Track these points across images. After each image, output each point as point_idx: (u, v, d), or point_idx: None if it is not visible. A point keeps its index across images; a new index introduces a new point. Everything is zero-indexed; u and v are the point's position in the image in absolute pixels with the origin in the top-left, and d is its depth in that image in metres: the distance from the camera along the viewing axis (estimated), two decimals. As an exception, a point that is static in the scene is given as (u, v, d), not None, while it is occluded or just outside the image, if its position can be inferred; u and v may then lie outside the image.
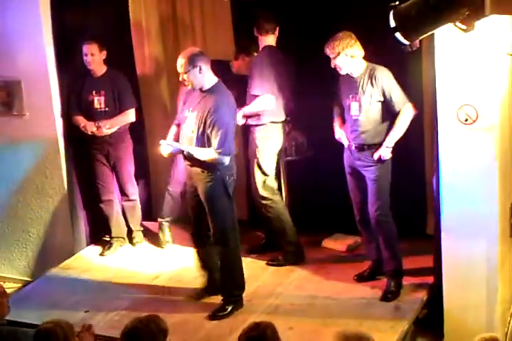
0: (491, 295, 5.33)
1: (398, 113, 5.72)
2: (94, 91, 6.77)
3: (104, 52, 6.70)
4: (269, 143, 6.48)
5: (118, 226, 7.10)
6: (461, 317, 5.46)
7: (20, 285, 6.98)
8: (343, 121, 5.99)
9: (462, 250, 5.35)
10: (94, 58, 6.68)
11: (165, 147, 5.77)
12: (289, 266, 6.54)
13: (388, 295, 5.95)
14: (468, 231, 5.30)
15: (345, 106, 5.89)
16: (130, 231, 7.19)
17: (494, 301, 5.36)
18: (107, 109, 6.78)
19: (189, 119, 5.71)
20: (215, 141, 5.56)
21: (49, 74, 6.61)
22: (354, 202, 6.06)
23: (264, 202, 6.53)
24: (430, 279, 5.88)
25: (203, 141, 5.62)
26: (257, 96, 6.32)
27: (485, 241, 5.27)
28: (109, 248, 7.07)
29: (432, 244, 5.72)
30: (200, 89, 5.69)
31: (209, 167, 5.67)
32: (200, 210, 5.80)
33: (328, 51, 5.68)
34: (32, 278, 6.95)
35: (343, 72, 5.76)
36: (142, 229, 7.24)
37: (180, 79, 5.72)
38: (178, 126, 5.93)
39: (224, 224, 5.78)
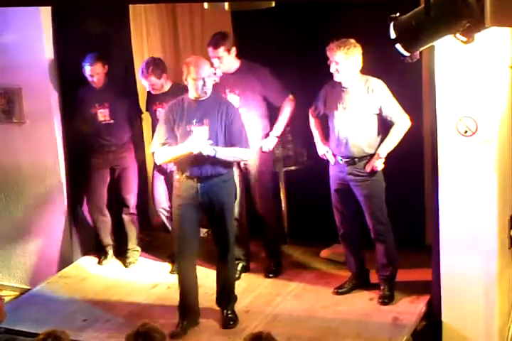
0: (489, 307, 5.32)
1: (392, 125, 5.70)
2: (97, 104, 6.65)
3: (107, 66, 6.62)
4: None
5: (106, 237, 7.01)
6: (459, 329, 5.45)
7: (18, 293, 6.97)
8: (324, 135, 5.97)
9: (461, 262, 5.34)
10: (100, 77, 6.60)
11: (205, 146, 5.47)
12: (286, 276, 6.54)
13: (385, 300, 5.95)
14: (467, 243, 5.30)
15: (331, 117, 5.83)
16: (125, 250, 7.00)
17: (492, 314, 5.35)
18: (112, 121, 6.67)
19: (197, 131, 5.49)
20: (241, 139, 5.60)
21: (49, 82, 6.63)
22: (337, 217, 6.03)
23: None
24: (428, 291, 5.86)
25: (226, 144, 5.57)
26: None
27: (483, 253, 5.27)
28: (106, 257, 7.01)
29: (431, 255, 5.71)
30: (196, 99, 5.58)
31: (227, 173, 5.67)
32: (198, 225, 5.74)
33: (338, 54, 5.56)
34: (30, 286, 6.94)
35: (338, 79, 5.67)
36: (139, 248, 7.03)
37: (196, 85, 5.49)
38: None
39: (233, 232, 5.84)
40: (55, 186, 6.86)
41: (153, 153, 5.77)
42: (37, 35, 6.51)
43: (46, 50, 6.56)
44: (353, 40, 5.60)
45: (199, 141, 5.46)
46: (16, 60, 6.59)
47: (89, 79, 6.62)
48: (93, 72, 6.57)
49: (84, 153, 6.83)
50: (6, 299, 6.46)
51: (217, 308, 5.89)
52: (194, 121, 5.54)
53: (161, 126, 5.70)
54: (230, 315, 5.81)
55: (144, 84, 6.54)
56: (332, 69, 5.65)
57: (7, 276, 7.16)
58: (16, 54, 6.59)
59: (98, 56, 6.58)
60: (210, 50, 6.16)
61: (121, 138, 6.75)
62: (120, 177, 6.85)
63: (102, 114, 6.66)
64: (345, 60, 5.58)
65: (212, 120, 5.55)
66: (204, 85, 5.49)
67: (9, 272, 7.15)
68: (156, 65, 6.40)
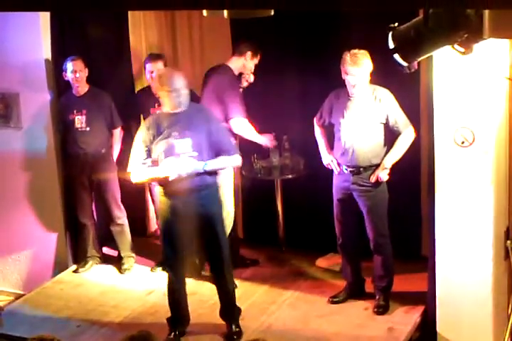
0: (484, 318, 5.31)
1: (398, 135, 5.72)
2: (75, 110, 6.61)
3: (87, 70, 6.59)
4: None
5: (93, 248, 6.97)
6: (454, 340, 5.44)
7: (12, 298, 6.95)
8: (330, 144, 5.95)
9: (456, 273, 5.34)
10: (81, 75, 6.57)
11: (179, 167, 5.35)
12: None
13: (380, 310, 5.94)
14: (463, 254, 5.30)
15: (337, 126, 5.82)
16: (120, 257, 6.98)
17: (488, 325, 5.34)
18: (87, 128, 6.62)
19: (180, 144, 5.36)
20: (230, 146, 5.55)
21: (47, 87, 6.62)
22: (338, 227, 6.00)
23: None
24: (424, 301, 5.85)
25: (213, 153, 5.44)
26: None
27: (479, 264, 5.26)
28: (84, 265, 6.96)
29: (427, 265, 5.71)
30: (172, 111, 5.41)
31: (214, 183, 5.55)
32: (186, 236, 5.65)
33: (354, 66, 5.52)
34: (25, 292, 6.92)
35: (355, 90, 5.64)
36: (133, 255, 6.98)
37: (170, 98, 5.33)
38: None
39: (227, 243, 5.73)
40: (52, 191, 6.85)
41: (129, 173, 5.55)
42: (35, 40, 6.51)
43: (44, 55, 6.56)
44: (365, 51, 5.56)
45: (177, 165, 5.33)
46: (14, 65, 6.59)
47: (72, 76, 6.54)
48: (76, 67, 6.52)
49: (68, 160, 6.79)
50: (1, 304, 6.46)
51: (213, 316, 5.86)
52: (174, 134, 5.37)
53: (138, 145, 5.48)
54: (235, 330, 5.71)
55: (147, 73, 6.60)
56: (352, 82, 5.59)
57: (2, 281, 7.14)
58: (14, 59, 6.59)
59: (79, 56, 6.57)
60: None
61: (98, 148, 6.69)
62: (100, 190, 6.79)
63: (79, 121, 6.61)
64: (361, 72, 5.57)
65: (195, 131, 5.39)
66: (179, 97, 5.33)
67: (4, 277, 7.12)
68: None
